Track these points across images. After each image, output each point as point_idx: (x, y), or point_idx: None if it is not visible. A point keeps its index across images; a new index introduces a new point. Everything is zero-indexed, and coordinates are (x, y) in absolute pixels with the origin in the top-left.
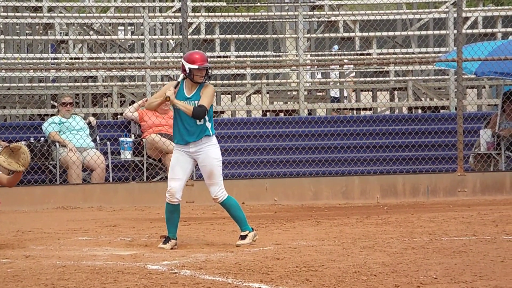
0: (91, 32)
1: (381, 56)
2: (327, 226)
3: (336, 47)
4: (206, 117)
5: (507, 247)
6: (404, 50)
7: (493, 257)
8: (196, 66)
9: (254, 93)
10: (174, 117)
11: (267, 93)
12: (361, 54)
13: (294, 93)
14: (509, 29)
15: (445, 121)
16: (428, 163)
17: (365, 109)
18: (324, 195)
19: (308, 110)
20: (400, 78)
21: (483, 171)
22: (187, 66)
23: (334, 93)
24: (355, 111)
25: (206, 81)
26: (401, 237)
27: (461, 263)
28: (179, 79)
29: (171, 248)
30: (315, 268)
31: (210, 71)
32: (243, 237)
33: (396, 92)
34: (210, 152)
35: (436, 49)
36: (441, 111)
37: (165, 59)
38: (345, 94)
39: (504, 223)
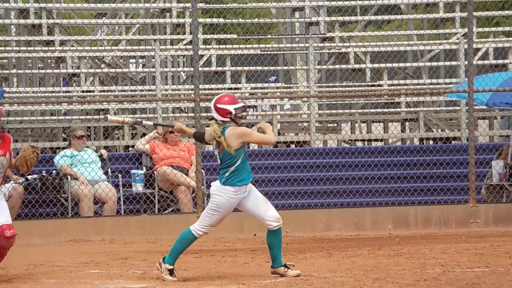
0: (102, 65)
1: (392, 87)
2: (339, 257)
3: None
4: None
5: None
6: (415, 81)
7: None
8: (242, 104)
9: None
10: (242, 158)
11: (278, 124)
12: (372, 86)
13: (305, 124)
14: None
15: (457, 152)
16: (440, 194)
17: (376, 140)
18: (336, 226)
19: (320, 142)
20: (411, 109)
21: (495, 202)
22: (232, 107)
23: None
24: (366, 142)
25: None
26: (414, 268)
27: None
28: (213, 127)
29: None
30: None
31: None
32: (292, 265)
33: (407, 123)
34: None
35: (447, 80)
36: (453, 142)
37: (176, 91)
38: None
39: None
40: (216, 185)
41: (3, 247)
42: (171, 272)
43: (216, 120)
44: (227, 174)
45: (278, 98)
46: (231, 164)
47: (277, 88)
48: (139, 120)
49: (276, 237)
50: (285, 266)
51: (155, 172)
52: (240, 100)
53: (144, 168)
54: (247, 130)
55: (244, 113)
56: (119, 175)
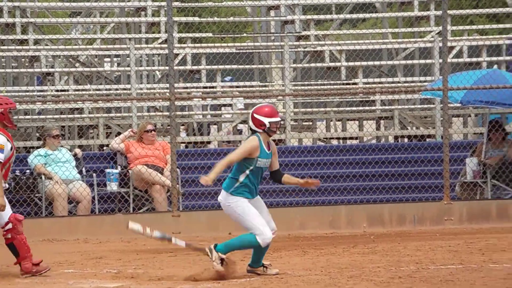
0: (77, 64)
1: (367, 86)
2: (314, 255)
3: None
4: None
5: (494, 275)
6: (390, 80)
7: (480, 286)
8: (278, 119)
9: (241, 122)
10: (249, 174)
11: None
12: (347, 84)
13: (281, 122)
14: (493, 58)
15: (431, 149)
16: (414, 192)
17: (351, 138)
18: (311, 224)
19: (295, 140)
20: (386, 107)
21: (469, 200)
22: (267, 120)
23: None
24: (341, 141)
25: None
26: (388, 266)
27: None
28: (250, 135)
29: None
30: None
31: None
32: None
33: (382, 121)
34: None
35: (422, 78)
36: (427, 139)
37: (151, 90)
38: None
39: (490, 252)
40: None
41: (21, 232)
42: (222, 261)
43: (250, 128)
44: (234, 185)
45: (253, 97)
46: (237, 174)
47: (253, 86)
48: (167, 235)
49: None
50: (263, 266)
51: (130, 171)
52: (279, 114)
53: (119, 167)
54: (250, 144)
55: (278, 128)
56: (94, 174)
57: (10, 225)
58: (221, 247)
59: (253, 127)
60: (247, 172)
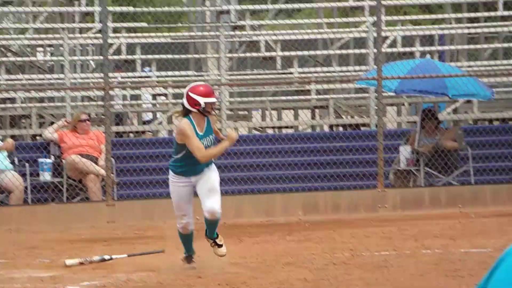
0: (9, 54)
1: (303, 75)
2: (249, 243)
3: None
4: None
5: (426, 261)
6: (325, 69)
7: (413, 272)
8: (213, 100)
9: (177, 112)
10: (185, 154)
11: None
12: (282, 73)
13: (217, 111)
14: (426, 48)
15: (366, 138)
16: (349, 180)
17: (287, 127)
18: (247, 212)
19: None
20: (321, 96)
21: (403, 187)
22: (202, 100)
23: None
24: (277, 130)
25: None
26: (323, 253)
27: (382, 278)
28: (177, 115)
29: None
30: (237, 286)
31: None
32: (220, 245)
33: (317, 110)
34: (214, 172)
35: (357, 68)
36: (362, 128)
37: (86, 80)
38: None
39: (423, 238)
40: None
41: None
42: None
43: (183, 106)
44: (172, 159)
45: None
46: (174, 153)
47: (188, 76)
48: (106, 256)
49: (210, 224)
50: (215, 242)
51: (63, 160)
52: (215, 94)
53: (52, 157)
54: (187, 132)
55: (215, 110)
56: (26, 164)
57: None
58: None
59: (188, 106)
60: (183, 151)
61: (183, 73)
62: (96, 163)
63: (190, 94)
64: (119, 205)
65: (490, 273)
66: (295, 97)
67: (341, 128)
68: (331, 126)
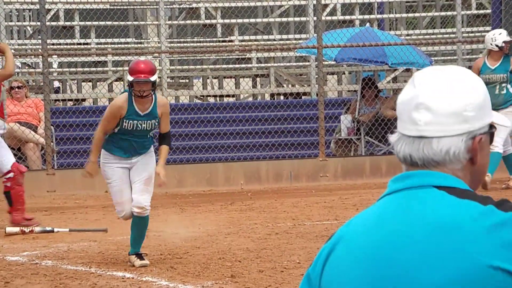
0: None
1: (243, 43)
2: (191, 213)
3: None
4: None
5: None
6: (265, 37)
7: None
8: (140, 79)
9: (116, 80)
10: (117, 133)
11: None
12: (223, 41)
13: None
14: (366, 16)
15: (307, 107)
16: (291, 149)
17: (228, 96)
18: (189, 182)
19: (172, 98)
20: (262, 64)
21: (344, 156)
22: (130, 77)
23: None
24: (218, 98)
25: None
26: (265, 222)
27: None
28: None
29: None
30: (179, 256)
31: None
32: (141, 257)
33: (258, 79)
34: (151, 159)
35: (297, 36)
36: (303, 97)
37: (23, 46)
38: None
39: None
40: None
41: (21, 183)
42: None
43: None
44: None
45: (128, 54)
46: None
47: (128, 43)
48: (48, 228)
49: (136, 224)
50: (137, 254)
51: None
52: (141, 76)
53: None
54: (107, 110)
55: (141, 93)
56: None
57: (11, 174)
58: (131, 249)
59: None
60: (115, 130)
61: (122, 40)
62: (35, 131)
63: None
64: (59, 174)
65: (321, 261)
66: (236, 66)
67: (282, 97)
68: (272, 95)
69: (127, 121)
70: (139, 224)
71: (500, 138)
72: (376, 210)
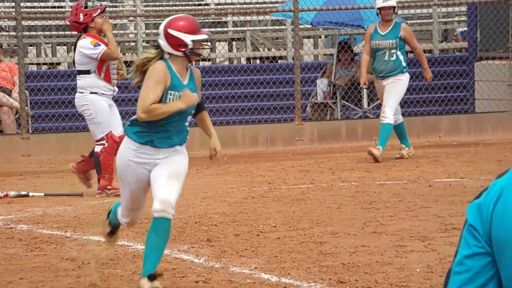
0: None
1: (219, 7)
2: None
3: None
4: None
5: (343, 193)
6: (241, 1)
7: (330, 204)
8: (204, 36)
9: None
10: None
11: None
12: (199, 5)
13: (132, 44)
14: None
15: (283, 71)
16: (267, 113)
17: (204, 60)
18: None
19: None
20: (238, 28)
21: (319, 120)
22: (189, 38)
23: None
24: (194, 62)
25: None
26: (241, 186)
27: (299, 211)
28: (155, 56)
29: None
30: None
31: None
32: (153, 277)
33: (234, 43)
34: (184, 153)
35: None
36: (279, 61)
37: None
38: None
39: (340, 171)
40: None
41: (112, 152)
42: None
43: (160, 49)
44: (131, 119)
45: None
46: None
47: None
48: (23, 192)
49: (153, 230)
50: (152, 276)
51: None
52: (202, 30)
53: None
54: (154, 74)
55: (204, 49)
56: None
57: (104, 141)
58: (144, 269)
59: (169, 49)
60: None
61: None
62: (9, 95)
63: (171, 31)
64: (34, 138)
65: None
66: (212, 29)
67: (258, 61)
68: (248, 59)
69: (173, 92)
70: (158, 229)
71: (390, 108)
72: None
